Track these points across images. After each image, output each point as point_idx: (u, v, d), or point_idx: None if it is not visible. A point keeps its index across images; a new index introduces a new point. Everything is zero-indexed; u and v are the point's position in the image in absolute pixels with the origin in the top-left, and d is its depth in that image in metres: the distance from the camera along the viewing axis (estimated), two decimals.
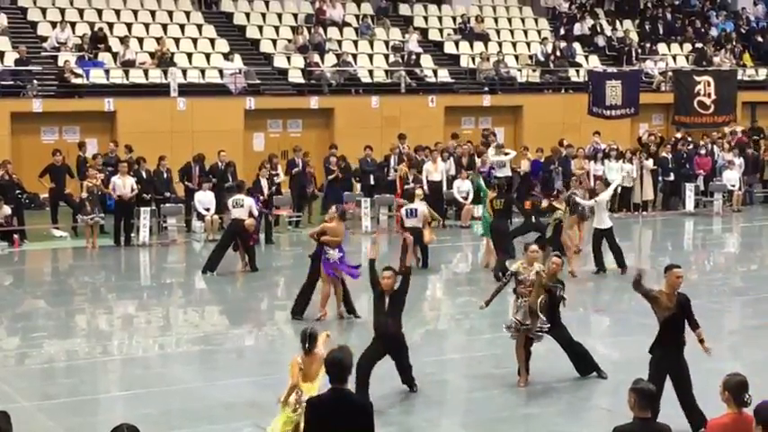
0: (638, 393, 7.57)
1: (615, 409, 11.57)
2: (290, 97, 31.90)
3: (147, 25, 32.57)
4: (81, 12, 32.30)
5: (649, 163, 29.18)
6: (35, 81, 28.95)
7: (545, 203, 20.97)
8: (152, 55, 30.90)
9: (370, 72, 33.47)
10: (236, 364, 15.13)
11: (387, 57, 34.25)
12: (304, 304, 17.00)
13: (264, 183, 24.43)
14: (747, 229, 28.42)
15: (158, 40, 31.49)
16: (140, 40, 31.74)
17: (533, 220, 21.24)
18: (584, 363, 13.82)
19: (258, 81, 31.60)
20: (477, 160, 27.88)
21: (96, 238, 23.56)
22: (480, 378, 14.13)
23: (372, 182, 27.23)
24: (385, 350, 12.72)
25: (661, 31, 40.33)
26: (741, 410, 7.93)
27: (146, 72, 30.32)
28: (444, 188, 26.64)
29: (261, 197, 23.30)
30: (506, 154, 28.21)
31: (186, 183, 25.54)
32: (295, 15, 35.09)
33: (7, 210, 23.43)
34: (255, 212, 21.17)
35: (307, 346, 10.21)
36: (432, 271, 21.26)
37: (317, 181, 27.11)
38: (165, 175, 25.44)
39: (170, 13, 33.32)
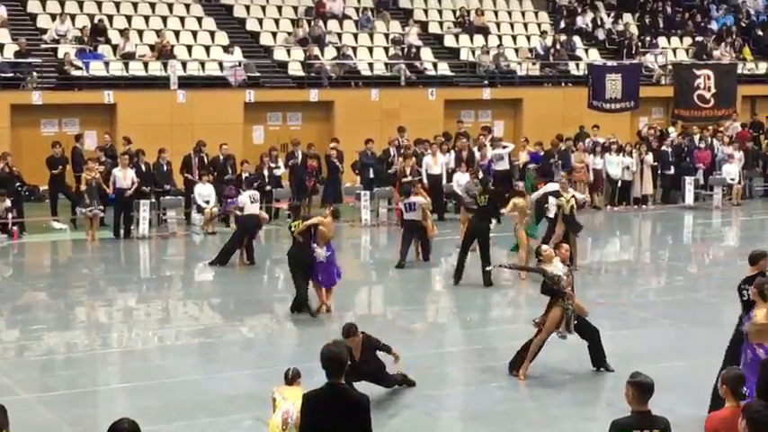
0: (636, 386, 7.58)
1: (614, 402, 11.58)
2: (289, 90, 31.87)
3: (146, 18, 32.52)
4: (81, 4, 32.24)
5: (649, 158, 29.19)
6: (35, 73, 28.91)
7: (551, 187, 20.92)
8: (152, 47, 30.87)
9: (370, 65, 33.45)
10: (235, 356, 15.13)
11: (387, 50, 34.22)
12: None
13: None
14: (747, 222, 28.44)
15: (158, 32, 31.46)
16: (140, 33, 31.71)
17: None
18: (596, 353, 13.82)
19: (258, 74, 31.58)
20: (477, 154, 27.88)
21: (96, 231, 23.57)
22: (479, 371, 14.15)
23: (372, 175, 27.20)
24: (360, 379, 12.27)
25: (661, 25, 40.27)
26: (740, 404, 7.94)
27: (145, 64, 30.29)
28: (444, 181, 26.64)
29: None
30: (504, 147, 28.22)
31: (186, 174, 25.56)
32: (295, 8, 35.05)
33: (7, 203, 23.42)
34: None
35: (289, 378, 10.38)
36: (432, 264, 21.27)
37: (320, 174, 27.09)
38: (165, 168, 25.45)
39: (170, 6, 33.28)
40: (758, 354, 10.73)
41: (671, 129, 32.69)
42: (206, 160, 25.79)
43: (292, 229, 16.99)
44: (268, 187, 25.44)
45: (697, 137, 31.14)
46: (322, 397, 7.81)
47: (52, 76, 29.45)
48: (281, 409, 9.93)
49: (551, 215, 20.55)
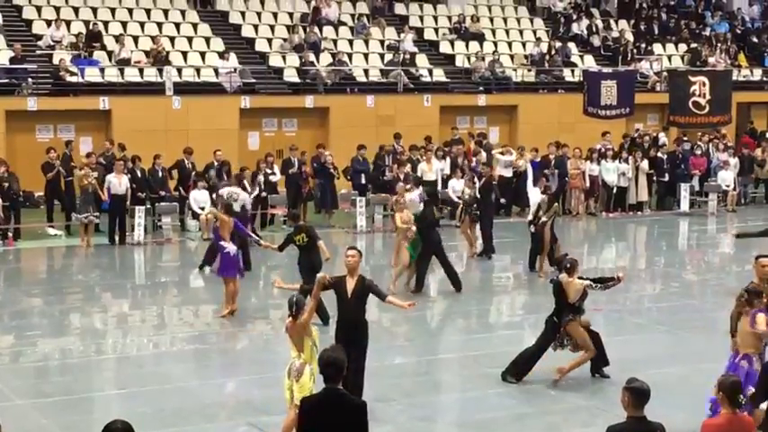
0: (632, 392, 7.58)
1: (610, 408, 11.58)
2: (285, 96, 31.86)
3: (142, 24, 32.55)
4: (76, 10, 32.27)
5: (645, 165, 29.19)
6: (30, 79, 28.87)
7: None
8: (147, 53, 30.88)
9: (366, 71, 33.46)
10: (230, 362, 15.12)
11: (382, 56, 34.24)
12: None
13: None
14: (742, 229, 28.41)
15: (154, 38, 31.46)
16: (135, 39, 31.70)
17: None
18: (598, 358, 13.85)
19: (253, 80, 31.58)
20: (473, 159, 27.91)
21: (91, 237, 23.55)
22: (475, 378, 14.13)
23: (363, 181, 27.19)
24: None
25: (656, 32, 40.36)
26: (736, 411, 7.95)
27: (141, 71, 30.29)
28: (439, 188, 26.64)
29: None
30: (511, 153, 28.32)
31: (179, 189, 25.49)
32: (290, 14, 35.09)
33: None
34: None
35: (293, 311, 10.85)
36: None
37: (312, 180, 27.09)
38: (160, 174, 25.45)
39: (165, 12, 33.30)
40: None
41: (661, 134, 32.73)
42: (195, 167, 25.79)
43: (297, 243, 16.87)
44: (263, 193, 25.42)
45: (700, 142, 31.16)
46: (319, 402, 7.81)
47: (47, 82, 29.43)
48: (292, 362, 10.81)
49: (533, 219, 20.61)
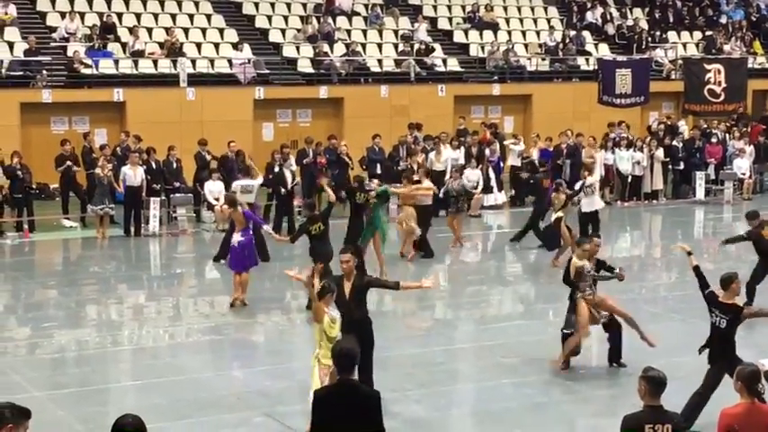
0: (649, 381, 7.57)
1: (626, 397, 11.55)
2: (299, 87, 31.88)
3: (156, 15, 32.55)
4: (90, 2, 32.27)
5: (660, 154, 29.08)
6: (44, 71, 28.94)
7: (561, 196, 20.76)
8: (161, 45, 30.89)
9: (380, 61, 33.43)
10: (246, 353, 15.14)
11: (396, 46, 34.20)
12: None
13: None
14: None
15: (167, 30, 31.46)
16: (149, 30, 31.73)
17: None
18: (615, 349, 13.89)
19: (267, 71, 31.58)
20: (487, 150, 27.87)
21: (106, 228, 23.60)
22: (490, 368, 14.13)
23: (379, 170, 27.15)
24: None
25: (671, 19, 40.20)
26: (754, 400, 7.92)
27: (155, 62, 30.31)
28: (447, 177, 26.52)
29: None
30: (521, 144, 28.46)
31: (200, 190, 25.47)
32: (304, 5, 35.04)
33: None
34: None
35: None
36: (440, 260, 21.24)
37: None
38: (175, 165, 25.47)
39: (179, 3, 33.29)
40: None
41: (681, 122, 32.61)
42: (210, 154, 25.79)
43: (313, 232, 16.87)
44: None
45: (716, 130, 31.10)
46: (333, 393, 7.80)
47: (62, 74, 29.48)
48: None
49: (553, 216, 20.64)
